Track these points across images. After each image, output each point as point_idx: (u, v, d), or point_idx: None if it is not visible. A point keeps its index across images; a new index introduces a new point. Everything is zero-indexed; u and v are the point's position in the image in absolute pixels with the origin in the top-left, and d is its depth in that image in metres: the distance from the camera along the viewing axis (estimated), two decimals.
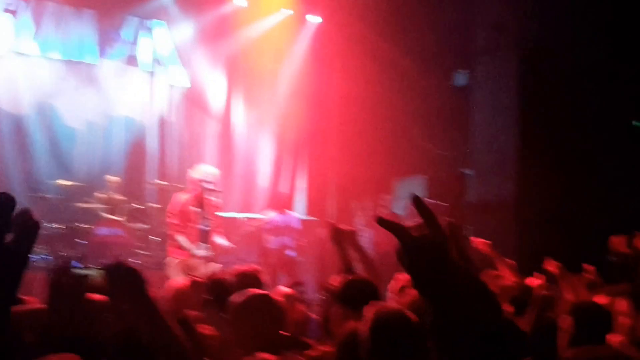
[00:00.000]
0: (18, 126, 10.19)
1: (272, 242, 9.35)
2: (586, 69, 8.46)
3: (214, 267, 7.19)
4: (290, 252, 9.51)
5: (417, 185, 11.05)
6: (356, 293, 3.29)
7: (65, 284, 2.23)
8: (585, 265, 4.76)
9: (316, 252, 10.09)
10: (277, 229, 9.44)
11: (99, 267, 2.08)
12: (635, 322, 3.82)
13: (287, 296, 4.56)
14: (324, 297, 4.14)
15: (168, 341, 1.95)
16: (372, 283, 3.45)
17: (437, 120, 10.74)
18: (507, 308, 3.80)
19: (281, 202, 9.91)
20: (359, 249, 4.12)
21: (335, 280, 3.59)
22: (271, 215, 9.59)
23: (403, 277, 3.66)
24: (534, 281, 4.43)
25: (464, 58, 10.00)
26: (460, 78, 10.85)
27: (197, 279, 4.90)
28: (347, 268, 3.90)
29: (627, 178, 8.45)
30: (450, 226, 3.35)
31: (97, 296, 2.64)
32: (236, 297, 3.37)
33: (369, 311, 2.55)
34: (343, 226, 4.26)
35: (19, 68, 10.29)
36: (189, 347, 2.02)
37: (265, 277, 4.79)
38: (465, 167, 9.76)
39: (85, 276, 2.24)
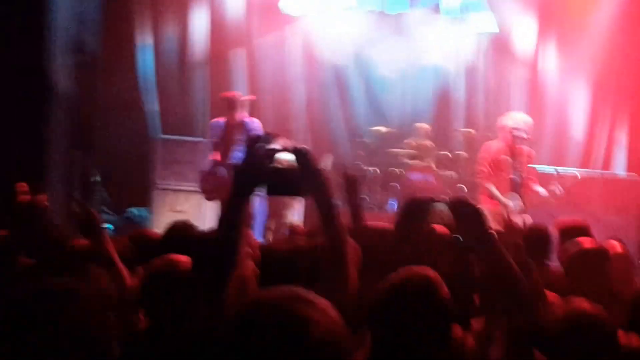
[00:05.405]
0: (338, 76, 11.31)
1: None
2: None
3: (526, 218, 7.04)
4: None
5: None
6: None
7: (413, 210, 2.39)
8: None
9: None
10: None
11: (444, 201, 2.17)
12: None
13: (623, 255, 4.24)
14: None
15: (517, 280, 2.03)
16: None
17: None
18: None
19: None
20: None
21: None
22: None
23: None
24: None
25: None
26: None
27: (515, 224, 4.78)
28: None
29: None
30: None
31: None
32: (571, 247, 3.31)
33: None
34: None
35: (339, 21, 11.23)
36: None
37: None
38: None
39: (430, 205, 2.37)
